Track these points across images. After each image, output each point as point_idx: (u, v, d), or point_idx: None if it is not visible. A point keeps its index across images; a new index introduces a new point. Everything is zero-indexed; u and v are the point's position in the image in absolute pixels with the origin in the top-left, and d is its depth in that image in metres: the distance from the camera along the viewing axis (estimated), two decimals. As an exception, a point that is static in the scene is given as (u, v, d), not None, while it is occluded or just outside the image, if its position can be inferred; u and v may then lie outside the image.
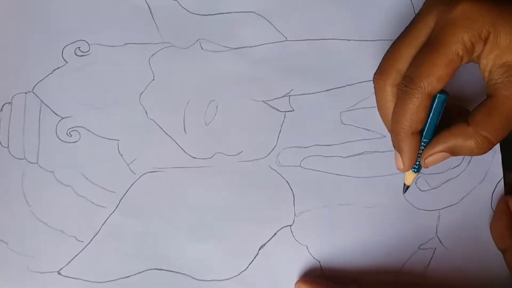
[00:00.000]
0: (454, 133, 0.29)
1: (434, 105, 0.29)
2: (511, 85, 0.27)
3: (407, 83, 0.28)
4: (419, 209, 0.34)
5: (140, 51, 0.37)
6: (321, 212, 0.35)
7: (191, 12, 0.37)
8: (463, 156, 0.35)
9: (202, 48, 0.36)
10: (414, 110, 0.28)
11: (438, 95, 0.29)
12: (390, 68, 0.29)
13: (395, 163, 0.31)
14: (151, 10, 0.37)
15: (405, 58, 0.29)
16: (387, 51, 0.30)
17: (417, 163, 0.31)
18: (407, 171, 0.31)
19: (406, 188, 0.33)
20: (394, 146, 0.31)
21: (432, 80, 0.28)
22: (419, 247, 0.34)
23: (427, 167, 0.31)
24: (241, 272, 0.34)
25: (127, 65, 0.36)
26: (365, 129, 0.35)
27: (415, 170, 0.31)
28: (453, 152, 0.29)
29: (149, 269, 0.34)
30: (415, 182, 0.35)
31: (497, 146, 0.35)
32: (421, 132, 0.30)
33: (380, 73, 0.30)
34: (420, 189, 0.35)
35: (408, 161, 0.30)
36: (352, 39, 0.37)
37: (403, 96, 0.29)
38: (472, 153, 0.29)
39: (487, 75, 0.28)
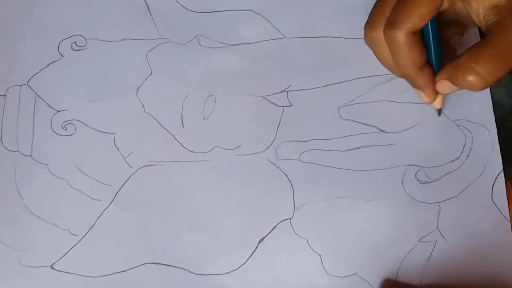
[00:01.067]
0: (451, 65, 0.38)
1: (429, 30, 0.40)
2: (505, 22, 0.36)
3: (392, 27, 0.38)
4: (420, 202, 0.44)
5: (137, 46, 0.47)
6: (321, 205, 0.44)
7: (188, 10, 0.48)
8: (461, 149, 0.45)
9: (200, 44, 0.47)
10: (408, 50, 0.38)
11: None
12: (379, 18, 0.39)
13: (421, 98, 0.42)
14: (149, 6, 0.48)
15: (391, 7, 0.39)
16: (374, 5, 0.40)
17: None
18: (434, 101, 0.42)
19: (439, 111, 0.44)
20: (412, 86, 0.41)
21: (414, 19, 0.37)
22: (419, 240, 0.44)
23: (443, 94, 0.41)
24: (240, 266, 0.43)
25: (124, 60, 0.47)
26: (363, 123, 0.46)
27: None
28: (453, 81, 0.38)
29: (146, 263, 0.43)
30: (415, 175, 0.45)
31: (496, 139, 0.45)
32: (429, 60, 0.40)
33: (371, 25, 0.40)
34: (420, 182, 0.44)
35: (430, 92, 0.41)
36: (349, 37, 0.47)
37: (393, 41, 0.38)
38: (465, 86, 0.37)
39: (479, 19, 0.38)
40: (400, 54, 0.39)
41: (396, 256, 0.43)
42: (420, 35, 0.40)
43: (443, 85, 0.40)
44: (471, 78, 0.37)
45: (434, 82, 0.41)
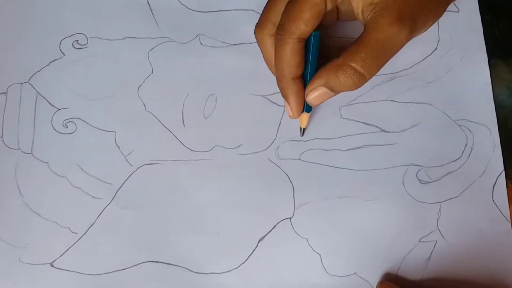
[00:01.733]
0: (327, 67, 0.40)
1: (311, 44, 0.42)
2: (378, 19, 0.38)
3: (279, 31, 0.40)
4: (420, 202, 0.45)
5: (139, 45, 0.48)
6: (321, 205, 0.45)
7: (190, 9, 0.49)
8: (463, 149, 0.46)
9: (201, 44, 0.48)
10: (288, 56, 0.40)
11: (313, 33, 0.41)
12: (266, 20, 0.42)
13: (286, 111, 0.44)
14: (151, 5, 0.49)
15: (279, 9, 0.41)
16: (264, 7, 0.42)
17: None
18: (297, 117, 0.44)
19: (302, 131, 0.45)
20: (282, 95, 0.43)
21: (300, 24, 0.39)
22: (420, 240, 0.45)
23: (313, 105, 0.43)
24: (240, 265, 0.44)
25: (125, 59, 0.48)
26: (364, 123, 0.47)
27: (308, 110, 0.44)
28: (330, 86, 0.40)
29: (146, 262, 0.44)
30: (416, 175, 0.46)
31: (497, 140, 0.46)
32: (304, 76, 0.42)
33: (259, 26, 0.42)
34: (420, 182, 0.46)
35: (294, 105, 0.42)
36: (346, 37, 0.49)
37: (278, 44, 0.40)
38: (345, 87, 0.40)
39: (359, 16, 0.40)
40: (283, 59, 0.41)
41: (396, 256, 0.44)
42: (305, 47, 0.42)
43: (318, 93, 0.41)
44: (349, 76, 0.39)
45: (301, 96, 0.42)
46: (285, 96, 0.43)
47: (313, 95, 0.42)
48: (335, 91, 0.41)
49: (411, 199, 0.45)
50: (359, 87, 0.40)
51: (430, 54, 0.48)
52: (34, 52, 0.48)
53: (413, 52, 0.48)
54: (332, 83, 0.40)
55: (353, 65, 0.39)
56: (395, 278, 0.43)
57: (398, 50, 0.40)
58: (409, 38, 0.40)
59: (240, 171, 0.46)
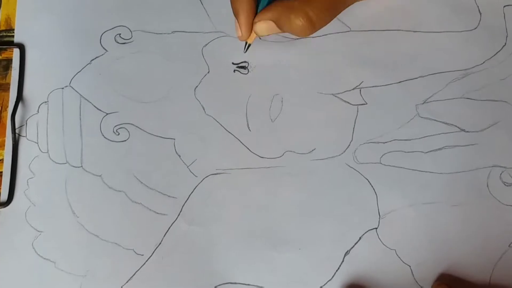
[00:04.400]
0: (282, 4, 0.42)
1: None
2: None
3: None
4: (507, 205, 0.48)
5: (191, 40, 0.48)
6: (407, 212, 0.47)
7: (244, 0, 0.49)
8: (545, 148, 0.49)
9: (260, 38, 0.49)
10: None
11: None
12: None
13: (236, 33, 0.45)
14: (201, -4, 0.49)
15: None
16: None
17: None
18: (246, 39, 0.45)
19: (247, 46, 0.47)
20: (233, 13, 0.44)
21: None
22: (510, 245, 0.47)
23: (258, 35, 0.45)
24: (326, 282, 0.45)
25: (177, 56, 0.48)
26: (443, 122, 0.49)
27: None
28: (278, 23, 0.43)
29: (222, 284, 0.44)
30: (500, 177, 0.48)
31: None
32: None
33: None
34: (505, 184, 0.48)
35: (244, 25, 0.44)
36: (417, 30, 0.51)
37: None
38: (294, 29, 0.43)
39: None
40: None
41: (487, 264, 0.46)
42: None
43: (265, 26, 0.44)
44: (302, 21, 0.42)
45: (251, 18, 0.44)
46: (236, 14, 0.44)
47: (261, 26, 0.44)
48: (282, 30, 0.44)
49: (497, 203, 0.47)
50: (306, 35, 0.44)
51: (500, 50, 0.51)
52: (72, 50, 0.47)
53: (483, 47, 0.50)
54: (282, 22, 0.43)
55: (308, 10, 0.42)
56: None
57: (346, 7, 0.45)
58: None
59: (316, 179, 0.46)
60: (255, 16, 0.44)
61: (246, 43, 0.46)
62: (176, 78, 0.47)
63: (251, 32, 0.45)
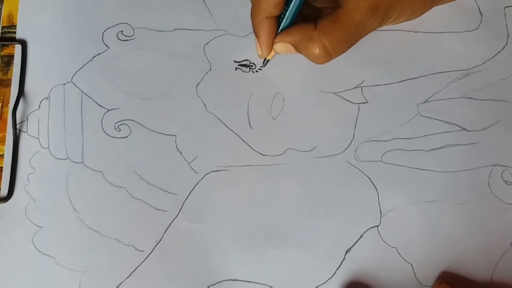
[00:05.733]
0: (302, 31, 0.43)
1: None
2: (358, 0, 0.42)
3: None
4: (508, 204, 0.47)
5: (192, 38, 0.48)
6: (409, 211, 0.46)
7: (247, -2, 0.49)
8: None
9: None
10: None
11: None
12: None
13: (256, 50, 0.46)
14: (203, -6, 0.49)
15: None
16: None
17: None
18: (265, 56, 0.46)
19: (265, 62, 0.48)
20: (253, 31, 0.45)
21: None
22: (511, 243, 0.47)
23: (277, 52, 0.45)
24: (327, 280, 0.44)
25: (179, 53, 0.47)
26: (444, 121, 0.49)
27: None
28: (297, 49, 0.44)
29: (223, 281, 0.43)
30: (501, 176, 0.48)
31: None
32: (280, 19, 0.44)
33: None
34: (506, 183, 0.48)
35: (265, 45, 0.45)
36: (419, 31, 0.51)
37: None
38: (310, 57, 0.43)
39: None
40: None
41: (488, 262, 0.46)
42: None
43: (284, 47, 0.45)
44: (318, 51, 0.43)
45: (271, 38, 0.45)
46: (256, 34, 0.45)
47: (280, 47, 0.45)
48: (300, 53, 0.44)
49: (498, 202, 0.47)
50: (322, 63, 0.44)
51: (501, 50, 0.51)
52: (74, 46, 0.46)
53: (484, 48, 0.50)
54: (300, 47, 0.44)
55: (325, 42, 0.42)
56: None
57: (363, 37, 0.44)
58: (375, 28, 0.45)
59: (317, 176, 0.46)
60: (275, 36, 0.45)
61: (265, 59, 0.47)
62: (177, 75, 0.47)
63: (270, 51, 0.45)
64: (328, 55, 0.43)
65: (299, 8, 0.44)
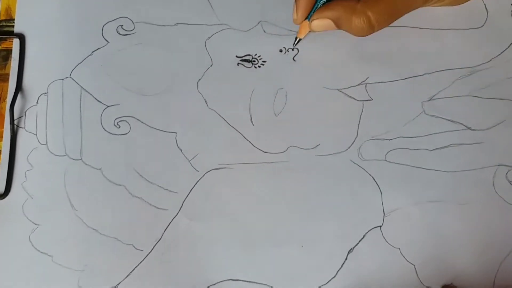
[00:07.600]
0: (344, 5, 0.43)
1: None
2: None
3: None
4: (513, 204, 0.47)
5: (194, 32, 0.47)
6: (412, 211, 0.45)
7: (249, -7, 0.48)
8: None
9: (264, 31, 0.48)
10: None
11: None
12: None
13: (292, 15, 0.45)
14: (205, -12, 0.48)
15: None
16: None
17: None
18: (299, 23, 0.45)
19: (297, 41, 0.47)
20: None
21: None
22: (516, 244, 0.46)
23: (313, 31, 0.45)
24: (329, 280, 0.44)
25: (180, 48, 0.47)
26: (448, 120, 0.48)
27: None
28: (337, 23, 0.44)
29: (223, 280, 0.43)
30: (505, 176, 0.47)
31: None
32: None
33: None
34: (511, 184, 0.47)
35: (300, 12, 0.44)
36: (424, 27, 0.50)
37: None
38: (353, 29, 0.43)
39: None
40: None
41: (492, 263, 0.45)
42: None
43: (322, 23, 0.44)
44: (363, 23, 0.43)
45: (310, 6, 0.45)
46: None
47: (318, 24, 0.44)
48: (340, 28, 0.44)
49: (503, 202, 0.46)
50: (364, 36, 0.44)
51: (507, 48, 0.50)
52: (73, 40, 0.45)
53: (489, 45, 0.50)
54: (341, 21, 0.43)
55: (370, 14, 0.43)
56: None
57: (408, 12, 0.45)
58: (420, 6, 0.45)
59: (320, 175, 0.45)
60: (313, 7, 0.44)
61: (296, 38, 0.46)
62: (178, 71, 0.46)
63: (306, 17, 0.45)
64: (371, 28, 0.43)
65: None
